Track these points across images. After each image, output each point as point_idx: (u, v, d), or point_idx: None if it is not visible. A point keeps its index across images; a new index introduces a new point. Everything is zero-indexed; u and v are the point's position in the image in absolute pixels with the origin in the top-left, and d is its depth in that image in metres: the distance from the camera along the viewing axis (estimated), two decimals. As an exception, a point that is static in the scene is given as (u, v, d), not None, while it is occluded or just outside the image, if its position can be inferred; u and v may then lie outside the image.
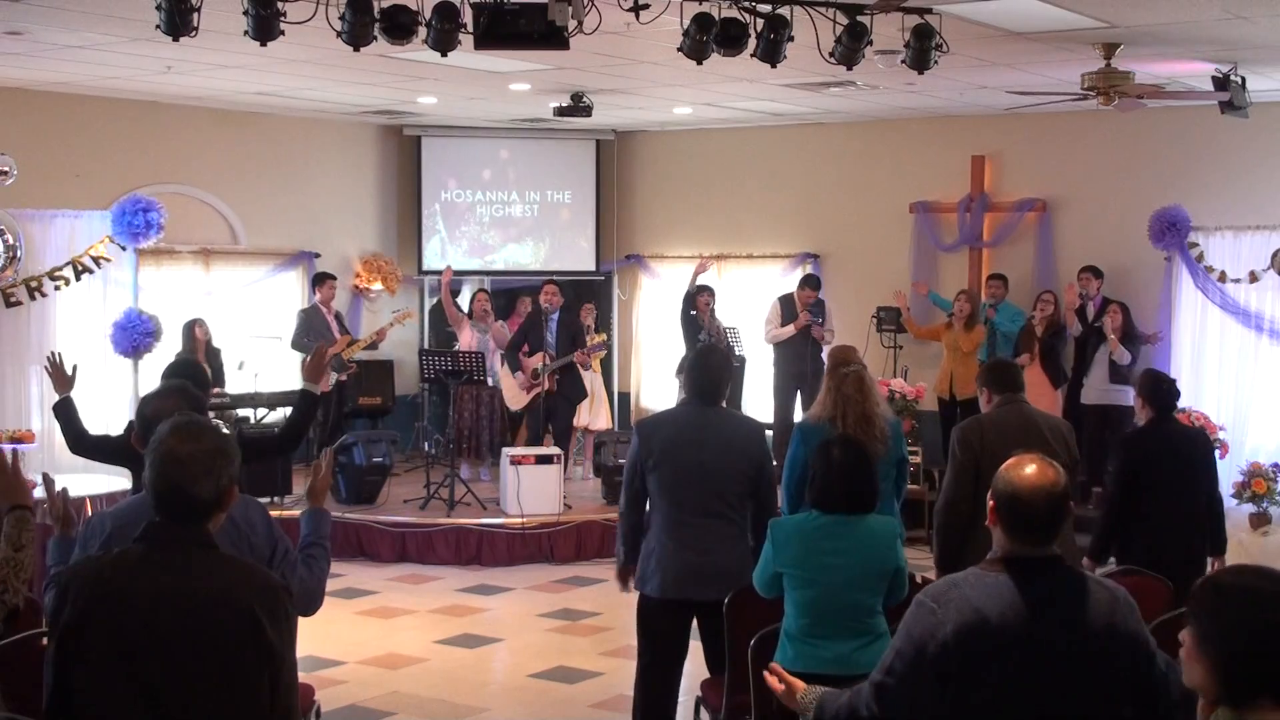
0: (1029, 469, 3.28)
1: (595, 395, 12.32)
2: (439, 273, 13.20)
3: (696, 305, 12.23)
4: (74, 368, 6.18)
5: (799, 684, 3.53)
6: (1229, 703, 2.61)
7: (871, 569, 4.69)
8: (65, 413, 5.94)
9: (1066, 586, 3.24)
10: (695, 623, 5.64)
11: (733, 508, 5.53)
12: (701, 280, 12.44)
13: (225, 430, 3.33)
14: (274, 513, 4.19)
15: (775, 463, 5.83)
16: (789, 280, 13.60)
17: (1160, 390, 6.64)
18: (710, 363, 5.67)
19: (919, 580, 5.60)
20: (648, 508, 5.62)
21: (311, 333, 12.02)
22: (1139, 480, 6.51)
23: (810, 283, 12.13)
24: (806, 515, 4.75)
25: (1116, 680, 3.26)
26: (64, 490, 4.20)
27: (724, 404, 5.75)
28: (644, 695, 5.69)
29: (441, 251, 14.23)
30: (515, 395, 11.49)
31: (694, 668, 5.82)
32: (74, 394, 6.07)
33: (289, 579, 3.86)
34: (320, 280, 12.34)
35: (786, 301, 12.15)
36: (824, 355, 5.89)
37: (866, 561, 4.67)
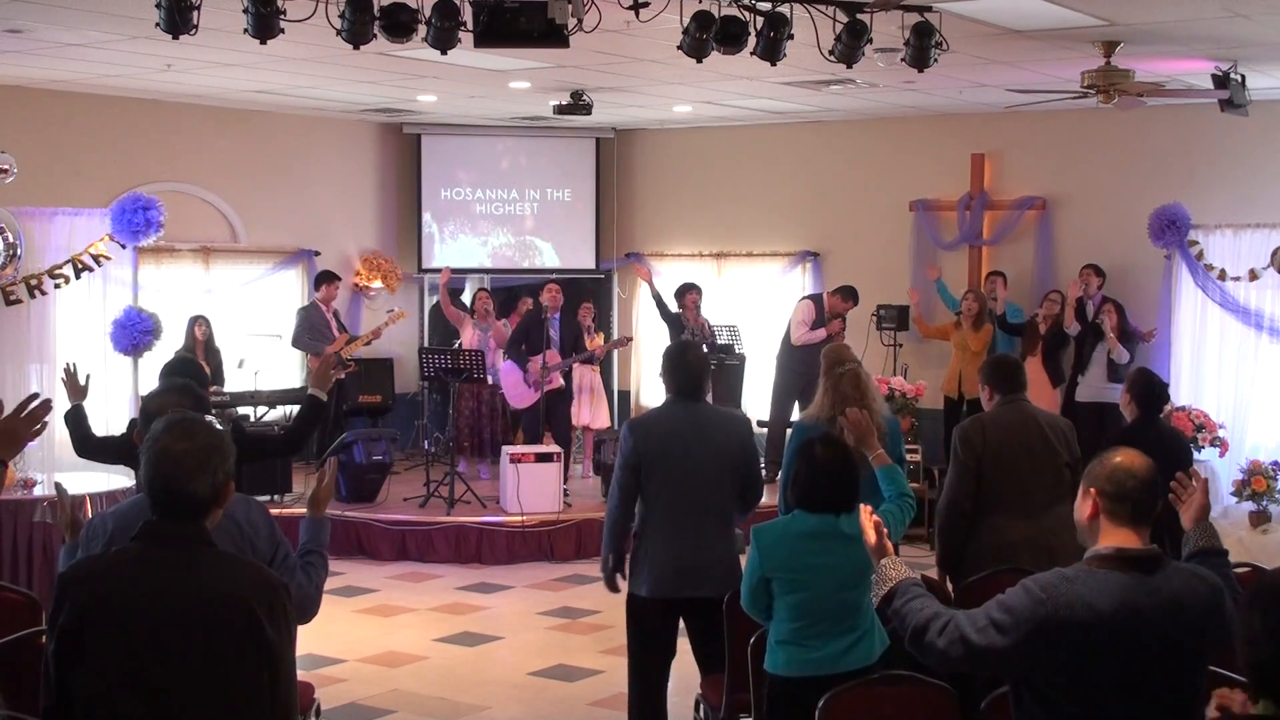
0: (1121, 454, 3.36)
1: (595, 393, 12.31)
2: (439, 272, 13.21)
3: (684, 303, 12.21)
4: (87, 377, 6.36)
5: (890, 546, 3.58)
6: (1268, 697, 2.63)
7: (861, 566, 4.67)
8: (76, 419, 6.12)
9: (1173, 582, 3.29)
10: (682, 621, 5.66)
11: (725, 504, 5.58)
12: (688, 279, 12.48)
13: (220, 427, 3.32)
14: (273, 511, 4.20)
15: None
16: (789, 279, 13.61)
17: (1152, 391, 6.70)
18: (690, 359, 5.69)
19: (919, 578, 5.61)
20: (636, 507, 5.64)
21: (312, 330, 12.03)
22: None
23: (849, 295, 11.91)
24: (791, 517, 4.69)
25: (1209, 663, 3.38)
26: (75, 498, 4.21)
27: (709, 399, 5.80)
28: (640, 694, 5.71)
29: (443, 250, 14.22)
30: (520, 394, 11.44)
31: (683, 665, 5.82)
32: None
33: (288, 584, 3.87)
34: (329, 279, 12.31)
35: (819, 303, 12.02)
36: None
37: (856, 559, 4.65)
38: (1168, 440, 6.69)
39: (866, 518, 3.65)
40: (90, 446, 6.06)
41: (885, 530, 3.61)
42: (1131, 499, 3.29)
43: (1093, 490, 3.33)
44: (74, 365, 6.45)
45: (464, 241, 14.36)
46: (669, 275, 14.02)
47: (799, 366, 11.72)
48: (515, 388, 11.44)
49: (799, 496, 4.66)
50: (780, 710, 4.56)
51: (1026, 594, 3.25)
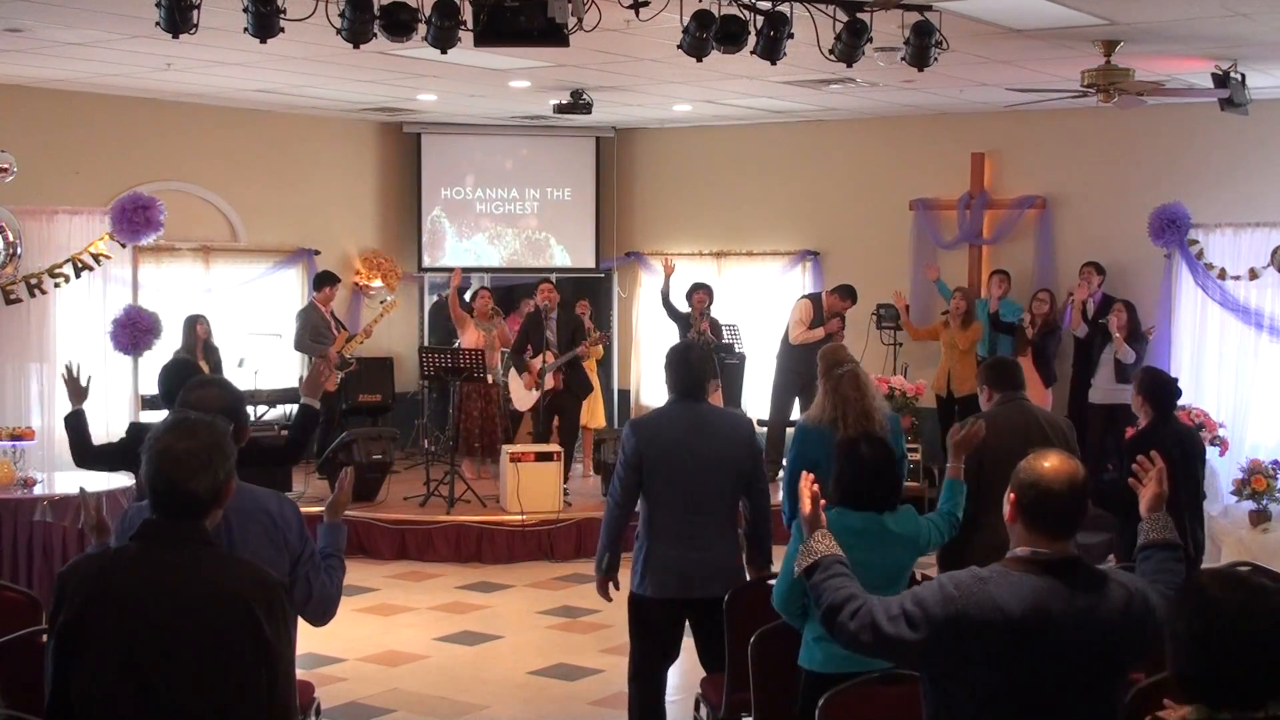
0: (1050, 460, 3.30)
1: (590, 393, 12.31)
2: (440, 270, 13.21)
3: (692, 302, 12.22)
4: (89, 379, 6.25)
5: (823, 520, 3.54)
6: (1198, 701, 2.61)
7: (902, 564, 4.70)
8: (77, 425, 6.01)
9: (1088, 588, 3.26)
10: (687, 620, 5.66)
11: (727, 504, 5.59)
12: (698, 279, 12.44)
13: (221, 426, 3.30)
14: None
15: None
16: (789, 278, 13.61)
17: (1163, 390, 6.66)
18: (692, 359, 5.70)
19: (919, 578, 5.61)
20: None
21: (314, 333, 12.01)
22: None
23: (848, 294, 11.94)
24: (837, 513, 4.70)
25: (1127, 669, 3.35)
26: (99, 498, 4.21)
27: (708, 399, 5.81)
28: (640, 694, 5.70)
29: (452, 249, 14.21)
30: (521, 396, 11.44)
31: (684, 665, 5.83)
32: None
33: (312, 582, 3.89)
34: (330, 281, 12.29)
35: (817, 302, 12.04)
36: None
37: (898, 557, 4.68)
38: (1184, 440, 6.65)
39: (806, 485, 3.62)
40: (90, 455, 5.96)
41: (822, 502, 3.59)
42: (1039, 513, 3.26)
43: (1012, 495, 3.31)
44: (76, 366, 6.32)
45: (463, 241, 14.35)
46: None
47: (798, 366, 11.71)
48: (515, 390, 11.47)
49: (842, 494, 4.67)
50: (815, 706, 4.58)
51: (940, 590, 3.24)
